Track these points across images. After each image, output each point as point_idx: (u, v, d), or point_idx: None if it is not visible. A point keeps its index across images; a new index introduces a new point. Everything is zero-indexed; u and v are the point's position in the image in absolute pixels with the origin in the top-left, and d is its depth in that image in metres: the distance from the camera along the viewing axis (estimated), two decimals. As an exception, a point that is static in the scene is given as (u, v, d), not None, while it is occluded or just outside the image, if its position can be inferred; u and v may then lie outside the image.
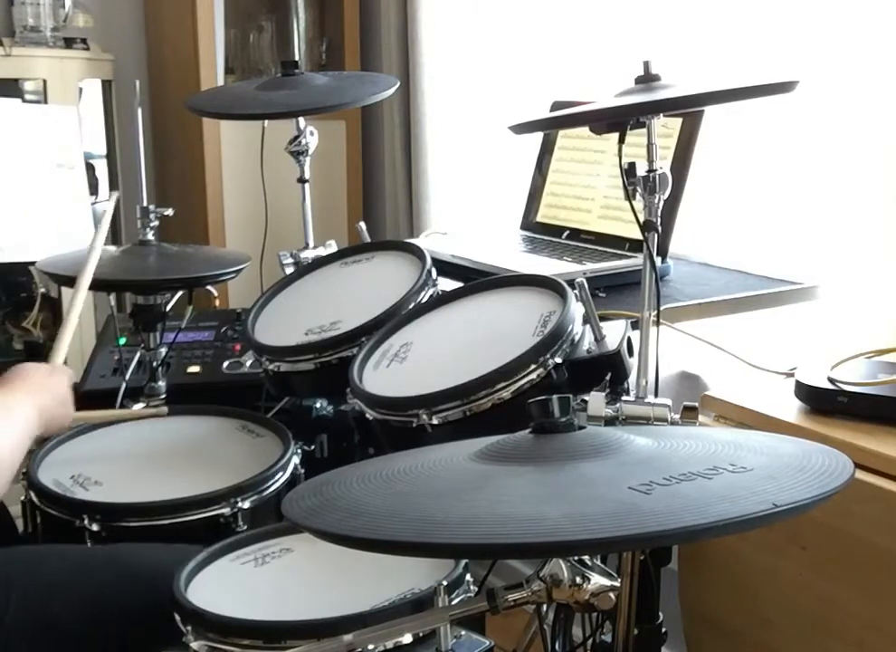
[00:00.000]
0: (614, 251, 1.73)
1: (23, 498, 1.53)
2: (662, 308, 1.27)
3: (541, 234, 1.95)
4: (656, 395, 1.23)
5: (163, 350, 1.89)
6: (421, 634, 1.07)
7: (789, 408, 1.38)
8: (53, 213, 2.32)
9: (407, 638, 1.06)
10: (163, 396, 1.88)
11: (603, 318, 1.32)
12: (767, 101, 1.34)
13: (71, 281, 1.63)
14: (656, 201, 1.21)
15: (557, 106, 1.92)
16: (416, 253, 1.61)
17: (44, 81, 2.58)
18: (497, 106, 2.44)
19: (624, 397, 1.22)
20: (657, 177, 1.20)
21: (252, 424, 1.72)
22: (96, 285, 1.69)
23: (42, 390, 1.33)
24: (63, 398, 1.39)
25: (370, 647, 1.05)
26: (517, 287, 1.44)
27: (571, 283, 1.31)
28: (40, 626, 1.25)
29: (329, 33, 2.97)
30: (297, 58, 2.90)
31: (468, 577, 1.22)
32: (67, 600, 1.27)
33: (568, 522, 0.71)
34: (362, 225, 1.81)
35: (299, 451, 1.62)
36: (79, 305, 1.56)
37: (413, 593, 1.18)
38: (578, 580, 0.89)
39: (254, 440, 1.68)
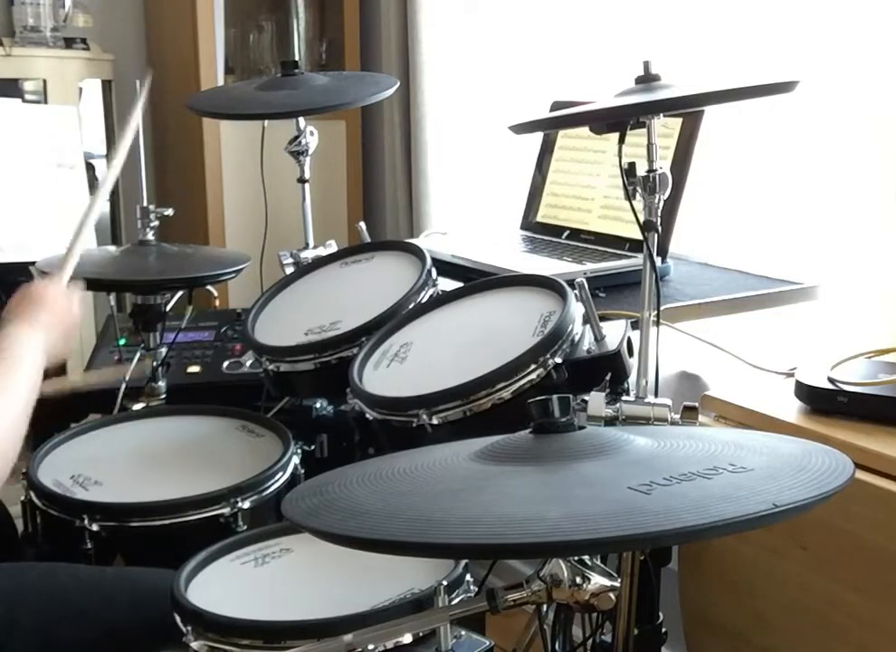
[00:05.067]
0: (614, 251, 1.73)
1: (23, 498, 1.53)
2: (662, 308, 1.27)
3: (541, 234, 1.94)
4: (656, 395, 1.23)
5: (163, 350, 1.89)
6: (421, 634, 1.07)
7: (789, 408, 1.38)
8: (53, 213, 2.32)
9: (407, 638, 1.06)
10: (163, 396, 1.88)
11: (603, 318, 1.32)
12: (767, 101, 1.34)
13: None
14: (656, 201, 1.21)
15: (557, 106, 1.92)
16: (416, 253, 1.61)
17: (44, 81, 2.58)
18: (497, 106, 2.44)
19: (624, 397, 1.22)
20: (657, 177, 1.20)
21: (252, 424, 1.72)
22: (96, 285, 1.69)
23: (51, 324, 1.30)
24: (69, 328, 1.34)
25: (370, 647, 1.04)
26: (517, 287, 1.44)
27: (571, 283, 1.31)
28: (43, 643, 1.24)
29: (329, 33, 2.97)
30: (297, 58, 2.90)
31: (468, 577, 1.22)
32: (72, 619, 1.27)
33: (568, 522, 0.71)
34: (362, 225, 1.81)
35: (299, 451, 1.62)
36: (94, 215, 1.52)
37: (413, 593, 1.18)
38: (578, 580, 0.89)
39: (254, 440, 1.68)
